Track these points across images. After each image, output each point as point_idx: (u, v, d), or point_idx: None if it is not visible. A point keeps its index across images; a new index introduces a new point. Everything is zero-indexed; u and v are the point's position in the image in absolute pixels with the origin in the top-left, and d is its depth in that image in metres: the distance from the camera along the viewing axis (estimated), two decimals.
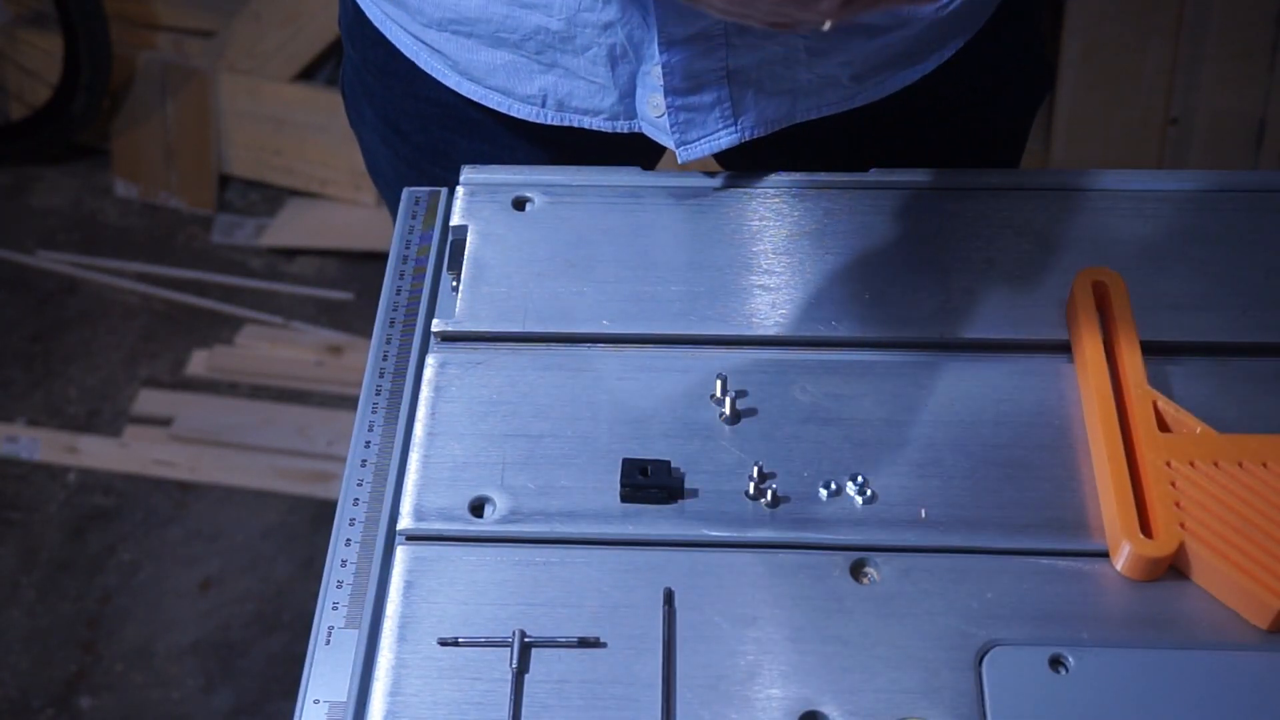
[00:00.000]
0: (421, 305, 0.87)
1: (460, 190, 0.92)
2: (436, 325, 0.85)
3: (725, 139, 0.90)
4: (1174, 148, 2.12)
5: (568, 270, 0.87)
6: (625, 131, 0.92)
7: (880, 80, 0.93)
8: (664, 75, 0.87)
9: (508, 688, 0.70)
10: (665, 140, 0.91)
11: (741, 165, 1.04)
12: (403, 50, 0.97)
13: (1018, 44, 1.02)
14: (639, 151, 0.96)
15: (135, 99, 2.43)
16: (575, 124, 0.93)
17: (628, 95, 0.90)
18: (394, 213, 0.97)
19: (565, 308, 0.85)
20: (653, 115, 0.90)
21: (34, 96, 2.47)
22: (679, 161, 0.93)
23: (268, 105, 2.38)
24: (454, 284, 0.87)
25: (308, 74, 2.42)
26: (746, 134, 0.91)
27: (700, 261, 0.87)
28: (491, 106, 0.95)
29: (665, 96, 0.88)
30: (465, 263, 0.87)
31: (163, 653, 1.89)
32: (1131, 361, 0.79)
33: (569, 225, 0.89)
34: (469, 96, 0.95)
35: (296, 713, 0.70)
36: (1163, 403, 0.78)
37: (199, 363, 2.21)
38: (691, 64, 0.87)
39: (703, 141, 0.90)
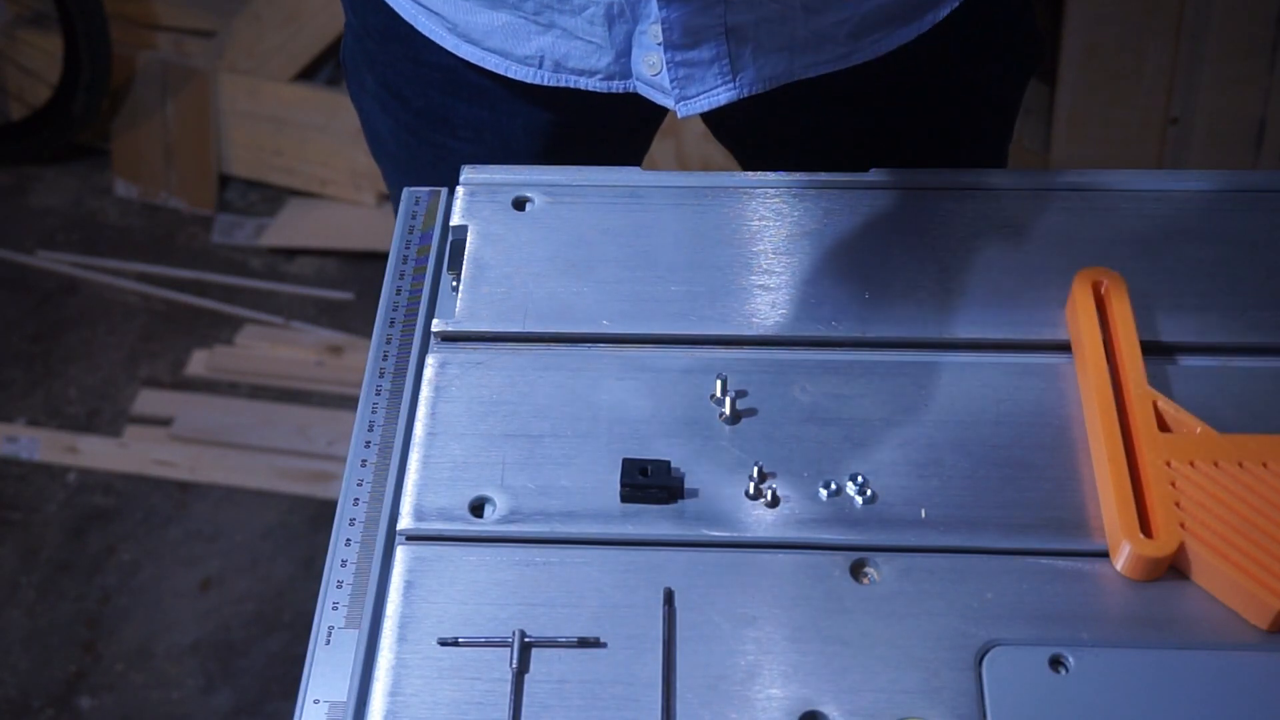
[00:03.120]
0: (421, 305, 0.87)
1: (460, 190, 0.92)
2: (436, 325, 0.85)
3: (724, 95, 0.91)
4: (1174, 148, 2.12)
5: (568, 270, 0.87)
6: (620, 92, 0.93)
7: (876, 39, 0.94)
8: (663, 31, 0.87)
9: (508, 688, 0.70)
10: (661, 99, 0.92)
11: (737, 125, 1.04)
12: (401, 14, 0.98)
13: (1009, 12, 1.04)
14: (635, 113, 0.96)
15: (135, 99, 2.43)
16: (571, 84, 0.94)
17: (624, 55, 0.91)
18: (394, 188, 0.97)
19: (565, 308, 0.85)
20: (648, 74, 0.91)
21: (34, 96, 2.47)
22: (678, 116, 0.93)
23: (268, 105, 2.38)
24: (454, 284, 0.87)
25: (308, 74, 2.42)
26: (745, 90, 0.91)
27: (700, 261, 0.87)
28: (489, 68, 0.95)
29: (665, 52, 0.89)
30: (465, 263, 0.87)
31: (163, 653, 1.89)
32: (1131, 361, 0.79)
33: (569, 225, 0.89)
34: (467, 59, 0.96)
35: (296, 713, 0.70)
36: (1163, 403, 0.78)
37: (199, 363, 2.20)
38: (690, 20, 0.87)
39: (701, 97, 0.91)
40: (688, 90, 0.91)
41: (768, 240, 0.88)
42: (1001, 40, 1.04)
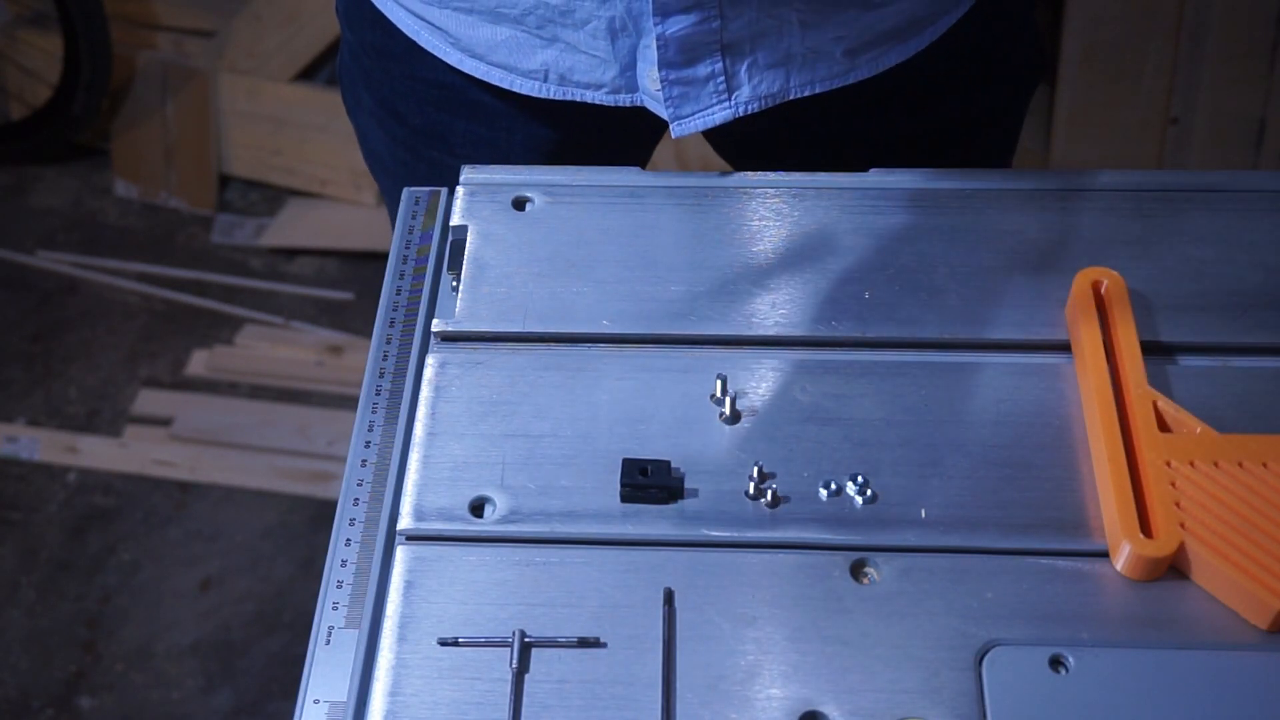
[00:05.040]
0: (421, 305, 0.87)
1: (460, 190, 0.92)
2: (436, 325, 0.85)
3: (719, 114, 0.90)
4: (1174, 148, 2.12)
5: (568, 270, 0.87)
6: (627, 105, 0.93)
7: (874, 56, 0.93)
8: (659, 49, 0.87)
9: (508, 688, 0.70)
10: (665, 114, 0.91)
11: (736, 147, 1.04)
12: (403, 29, 0.98)
13: (1010, 26, 1.03)
14: (637, 128, 0.96)
15: (135, 99, 2.43)
16: (577, 98, 0.93)
17: (629, 68, 0.91)
18: (391, 202, 0.96)
19: (565, 308, 0.85)
20: (653, 89, 0.90)
21: (34, 96, 2.47)
22: (673, 136, 0.93)
23: (268, 105, 2.38)
24: (454, 284, 0.87)
25: (308, 74, 2.42)
26: (740, 109, 0.91)
27: (700, 261, 0.87)
28: (494, 83, 0.95)
29: (660, 69, 0.88)
30: (465, 263, 0.87)
31: (163, 653, 1.89)
32: (1131, 361, 0.79)
33: (569, 225, 0.89)
34: (471, 74, 0.95)
35: (296, 713, 0.70)
36: (1163, 403, 0.78)
37: (199, 363, 2.21)
38: (686, 37, 0.87)
39: (697, 116, 0.91)
40: (682, 109, 0.90)
41: (768, 240, 0.88)
42: (1003, 57, 1.03)
